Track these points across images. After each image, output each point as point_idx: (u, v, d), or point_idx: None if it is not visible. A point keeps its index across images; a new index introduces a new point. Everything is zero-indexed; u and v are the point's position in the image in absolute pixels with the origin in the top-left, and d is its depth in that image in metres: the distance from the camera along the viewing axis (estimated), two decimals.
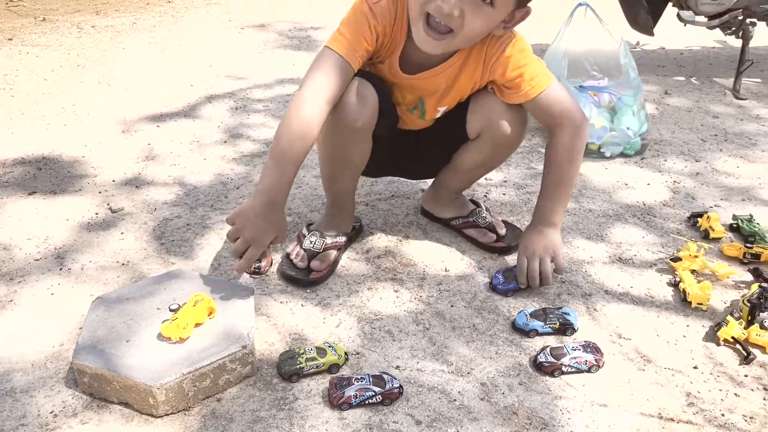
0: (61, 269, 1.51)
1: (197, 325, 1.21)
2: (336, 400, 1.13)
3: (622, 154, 2.08)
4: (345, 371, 1.22)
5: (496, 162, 1.60)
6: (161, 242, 1.62)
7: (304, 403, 1.15)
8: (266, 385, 1.19)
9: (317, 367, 1.21)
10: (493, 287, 1.45)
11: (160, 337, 1.18)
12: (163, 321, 1.20)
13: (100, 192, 1.85)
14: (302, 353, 1.22)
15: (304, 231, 1.52)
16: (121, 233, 1.66)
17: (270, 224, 1.30)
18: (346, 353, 1.25)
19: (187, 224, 1.70)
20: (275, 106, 2.51)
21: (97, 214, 1.74)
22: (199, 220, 1.72)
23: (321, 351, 1.22)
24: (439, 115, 1.49)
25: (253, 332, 1.23)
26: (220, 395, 1.17)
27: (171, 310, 1.22)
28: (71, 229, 1.67)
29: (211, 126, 2.32)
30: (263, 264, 1.34)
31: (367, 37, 1.32)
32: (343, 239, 1.54)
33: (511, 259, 1.56)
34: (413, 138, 1.55)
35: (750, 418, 1.12)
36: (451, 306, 1.41)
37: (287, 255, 1.51)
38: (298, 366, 1.20)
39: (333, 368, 1.22)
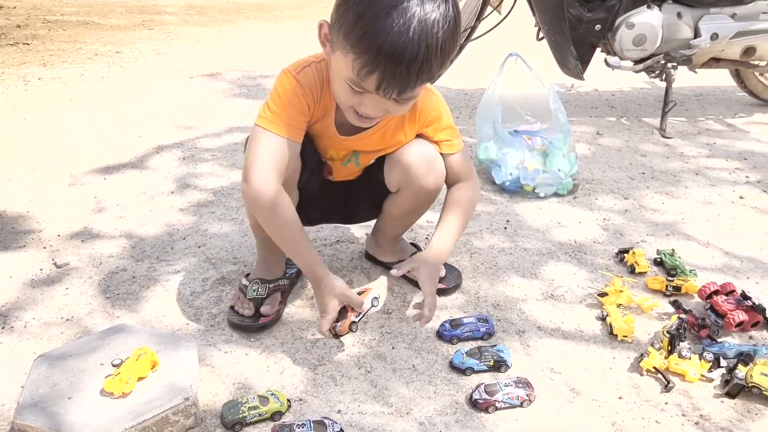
0: (3, 327, 1.51)
1: (140, 378, 1.23)
2: None
3: (556, 194, 2.19)
4: (287, 418, 1.25)
5: (423, 209, 1.64)
6: (106, 296, 1.64)
7: None
8: None
9: (260, 415, 1.24)
10: (439, 334, 1.50)
11: (103, 392, 1.20)
12: (106, 376, 1.22)
13: (44, 247, 1.86)
14: (245, 402, 1.24)
15: (244, 281, 1.56)
16: (66, 288, 1.67)
17: (323, 291, 1.39)
18: (288, 400, 1.28)
19: (133, 277, 1.72)
20: (224, 154, 2.56)
21: (41, 269, 1.75)
22: (145, 272, 1.74)
23: (263, 399, 1.26)
24: (372, 161, 1.56)
25: (197, 383, 1.25)
26: None
27: (113, 365, 1.24)
28: (15, 285, 1.68)
29: (158, 177, 2.35)
30: (339, 325, 1.41)
31: (302, 110, 1.36)
32: (285, 282, 1.59)
33: (456, 306, 1.63)
34: (343, 191, 1.62)
35: None
36: (393, 348, 1.46)
37: (232, 307, 1.54)
38: (240, 415, 1.22)
39: (276, 416, 1.25)
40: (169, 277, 1.72)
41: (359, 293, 1.44)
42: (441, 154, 1.51)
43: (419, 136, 1.50)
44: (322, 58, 1.36)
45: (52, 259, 1.79)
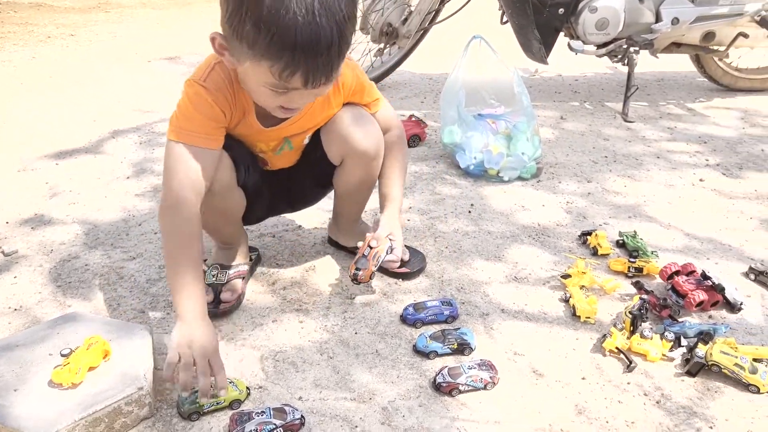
0: None
1: (91, 368, 1.19)
2: None
3: (519, 178, 2.18)
4: (247, 406, 1.22)
5: (373, 178, 1.59)
6: (57, 284, 1.57)
7: None
8: (165, 426, 1.17)
9: (218, 404, 1.20)
10: (403, 318, 1.48)
11: (51, 383, 1.15)
12: (55, 367, 1.17)
13: None
14: None
15: (203, 267, 1.52)
16: (14, 277, 1.60)
17: (210, 331, 1.25)
18: (248, 388, 1.25)
19: (86, 265, 1.66)
20: None
21: None
22: (99, 259, 1.68)
23: None
24: (306, 141, 1.52)
25: (151, 372, 1.21)
26: None
27: (62, 355, 1.19)
28: None
29: (114, 162, 2.28)
30: (361, 273, 1.45)
31: (215, 116, 1.29)
32: (245, 268, 1.55)
33: (420, 290, 1.61)
34: (284, 178, 1.58)
35: (632, 422, 1.20)
36: (356, 333, 1.44)
37: None
38: (197, 404, 1.19)
39: (234, 404, 1.21)
40: (124, 264, 1.66)
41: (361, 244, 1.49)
42: (372, 113, 1.51)
43: (347, 103, 1.47)
44: None
45: (0, 248, 1.71)
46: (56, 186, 2.08)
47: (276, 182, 1.57)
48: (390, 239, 1.49)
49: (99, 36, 4.04)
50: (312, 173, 1.59)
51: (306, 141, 1.51)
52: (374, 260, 1.45)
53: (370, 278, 1.46)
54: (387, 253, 1.47)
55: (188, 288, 1.25)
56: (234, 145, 1.38)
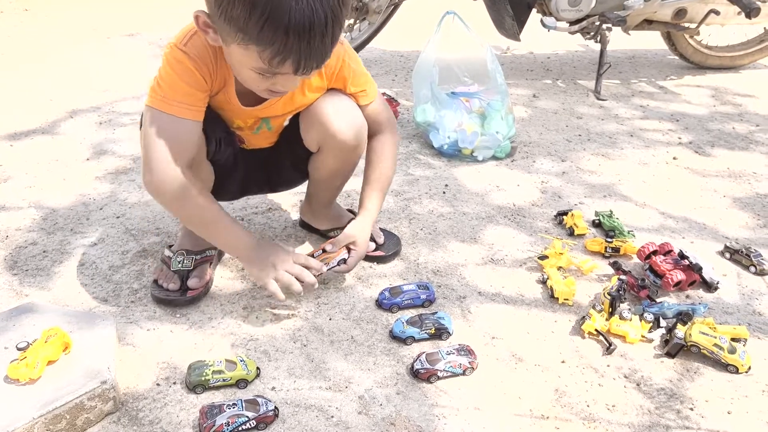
0: None
1: (50, 362, 1.12)
2: (207, 430, 1.07)
3: (494, 158, 2.15)
4: (218, 397, 1.17)
5: (350, 167, 1.54)
6: (13, 273, 1.49)
7: None
8: (131, 421, 1.12)
9: (224, 380, 1.17)
10: (378, 303, 1.44)
11: (7, 379, 1.08)
12: (11, 361, 1.10)
13: None
14: (211, 365, 1.18)
15: (168, 253, 1.45)
16: None
17: (269, 252, 1.35)
18: (258, 368, 1.22)
19: (44, 251, 1.57)
20: None
21: None
22: (58, 245, 1.60)
23: (230, 364, 1.19)
24: (286, 122, 1.46)
25: (114, 365, 1.15)
26: None
27: (19, 349, 1.12)
28: None
29: (72, 143, 2.18)
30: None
31: (198, 85, 1.23)
32: (213, 252, 1.49)
33: (396, 274, 1.57)
34: (261, 159, 1.52)
35: (612, 406, 1.18)
36: (330, 319, 1.39)
37: (155, 281, 1.43)
38: (203, 378, 1.17)
39: (240, 383, 1.19)
40: (84, 250, 1.58)
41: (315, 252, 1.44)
42: (359, 105, 1.43)
43: (331, 89, 1.41)
44: None
45: None
46: (11, 169, 1.98)
47: (253, 161, 1.51)
48: (350, 248, 1.45)
49: (55, 11, 3.87)
50: (291, 156, 1.52)
51: (285, 123, 1.45)
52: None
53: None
54: (338, 264, 1.42)
55: (226, 234, 1.34)
56: (207, 118, 1.30)
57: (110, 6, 4.06)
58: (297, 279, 1.34)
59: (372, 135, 1.48)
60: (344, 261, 1.43)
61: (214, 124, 1.34)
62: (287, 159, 1.53)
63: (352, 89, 1.41)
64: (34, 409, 1.03)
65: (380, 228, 1.65)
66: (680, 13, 2.80)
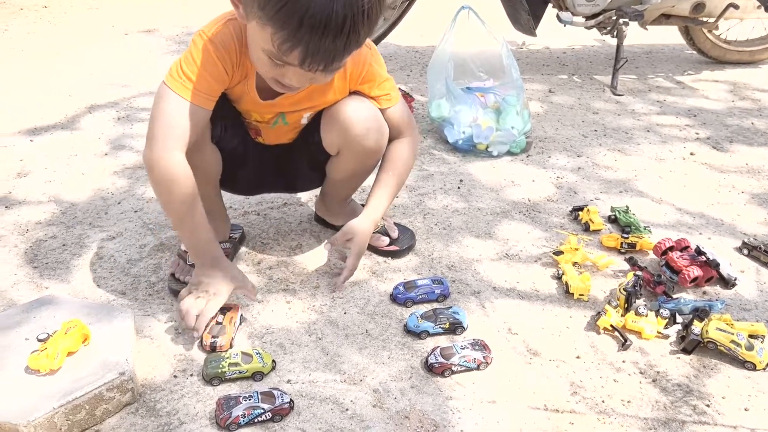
0: None
1: (70, 353, 1.14)
2: (223, 422, 1.09)
3: (509, 153, 2.14)
4: (234, 389, 1.18)
5: (368, 169, 1.55)
6: (34, 266, 1.51)
7: (189, 427, 1.10)
8: (149, 412, 1.13)
9: (240, 372, 1.19)
10: (393, 298, 1.44)
11: (28, 370, 1.10)
12: (32, 352, 1.12)
13: None
14: (227, 357, 1.20)
15: (184, 247, 1.46)
16: None
17: (217, 274, 1.31)
18: (274, 361, 1.23)
19: (63, 245, 1.60)
20: None
21: None
22: (77, 239, 1.62)
23: (246, 357, 1.21)
24: (304, 121, 1.45)
25: (133, 357, 1.16)
26: (98, 427, 1.10)
27: (39, 340, 1.14)
28: None
29: (91, 138, 2.20)
30: (219, 340, 1.25)
31: (218, 76, 1.25)
32: (228, 246, 1.50)
33: (410, 268, 1.57)
34: (279, 156, 1.52)
35: (627, 402, 1.18)
36: (345, 313, 1.40)
37: (172, 274, 1.44)
38: (220, 370, 1.18)
39: (257, 375, 1.20)
40: (103, 244, 1.60)
41: (226, 309, 1.33)
42: (380, 109, 1.42)
43: (355, 92, 1.40)
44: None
45: None
46: (31, 163, 2.01)
47: (268, 156, 1.51)
48: (347, 247, 1.44)
49: (73, 8, 3.91)
50: (308, 158, 1.52)
51: (304, 121, 1.45)
52: (231, 325, 1.30)
53: (231, 345, 1.27)
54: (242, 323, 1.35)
55: (197, 231, 1.31)
56: (221, 104, 1.32)
57: (127, 3, 4.10)
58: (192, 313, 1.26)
59: (392, 138, 1.47)
60: (343, 259, 1.44)
61: (222, 109, 1.34)
62: (304, 159, 1.53)
63: (376, 92, 1.40)
64: (55, 399, 1.05)
65: (394, 222, 1.65)
66: (699, 7, 2.77)
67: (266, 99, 1.35)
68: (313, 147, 1.47)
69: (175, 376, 1.21)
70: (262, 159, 1.51)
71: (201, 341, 1.27)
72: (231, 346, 1.27)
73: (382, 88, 1.41)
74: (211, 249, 1.33)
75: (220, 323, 1.29)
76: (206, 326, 1.27)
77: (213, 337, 1.26)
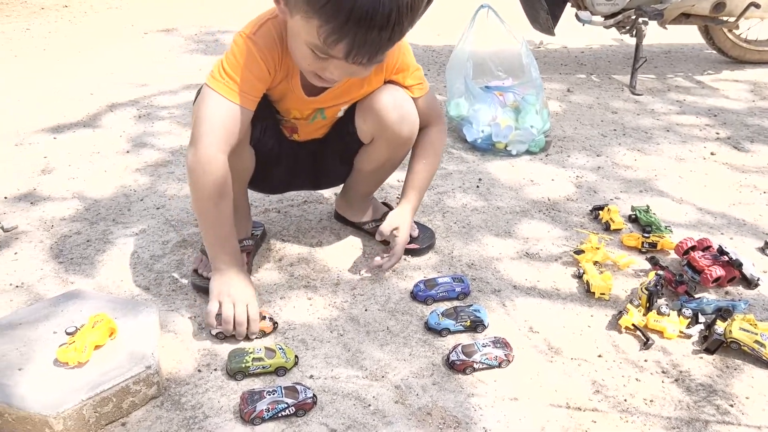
0: None
1: (97, 347, 1.15)
2: (247, 416, 1.10)
3: (528, 152, 2.14)
4: (257, 384, 1.19)
5: (397, 161, 1.57)
6: (59, 261, 1.54)
7: (214, 421, 1.11)
8: (174, 405, 1.15)
9: (263, 367, 1.20)
10: (413, 295, 1.45)
11: (57, 362, 1.12)
12: (60, 345, 1.14)
13: None
14: (250, 352, 1.21)
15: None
16: (15, 253, 1.56)
17: (244, 274, 1.35)
18: (296, 356, 1.25)
19: (88, 240, 1.62)
20: (181, 112, 2.43)
21: None
22: (101, 235, 1.64)
23: (270, 352, 1.22)
24: (340, 113, 1.47)
25: (158, 351, 1.18)
26: (125, 419, 1.11)
27: (68, 333, 1.16)
28: None
29: (112, 135, 2.23)
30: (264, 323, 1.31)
31: (260, 75, 1.26)
32: (250, 243, 1.52)
33: (430, 267, 1.58)
34: (310, 151, 1.54)
35: (650, 401, 1.17)
36: (366, 310, 1.41)
37: (195, 270, 1.46)
38: (243, 365, 1.19)
39: (280, 370, 1.21)
40: (126, 240, 1.62)
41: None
42: (412, 98, 1.44)
43: (388, 82, 1.42)
44: (278, 14, 1.24)
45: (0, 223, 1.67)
46: (55, 160, 2.03)
47: (303, 153, 1.53)
48: (394, 235, 1.47)
49: (93, 8, 3.95)
50: (340, 149, 1.54)
51: (340, 114, 1.47)
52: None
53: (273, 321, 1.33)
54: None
55: (222, 242, 1.31)
56: (260, 105, 1.33)
57: (146, 3, 4.13)
58: (235, 322, 1.28)
59: (422, 127, 1.49)
60: (389, 249, 1.47)
61: (263, 110, 1.35)
62: (337, 152, 1.55)
63: (409, 81, 1.43)
64: (83, 392, 1.06)
65: (414, 221, 1.65)
66: (719, 6, 2.76)
67: (310, 96, 1.36)
68: (348, 137, 1.49)
69: (199, 371, 1.22)
70: (296, 157, 1.52)
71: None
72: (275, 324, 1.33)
73: (415, 78, 1.44)
74: (234, 258, 1.33)
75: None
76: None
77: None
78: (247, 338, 1.30)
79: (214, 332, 1.29)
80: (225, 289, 1.30)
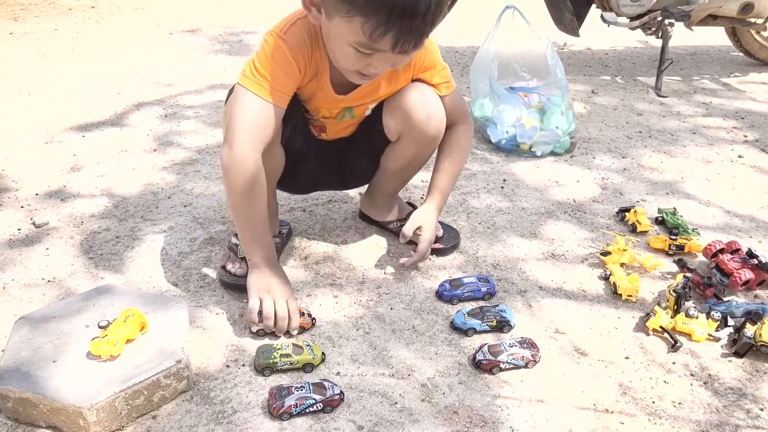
0: None
1: (129, 341, 1.17)
2: (276, 411, 1.11)
3: (553, 153, 2.13)
4: (285, 380, 1.20)
5: (423, 159, 1.57)
6: (89, 256, 1.56)
7: (243, 416, 1.12)
8: (203, 399, 1.16)
9: (291, 364, 1.21)
10: (439, 295, 1.45)
11: (90, 355, 1.14)
12: (92, 338, 1.16)
13: (22, 206, 1.77)
14: (278, 348, 1.22)
15: (235, 240, 1.49)
16: (46, 249, 1.59)
17: (280, 271, 1.37)
18: (323, 353, 1.26)
19: (117, 237, 1.64)
20: (207, 112, 2.46)
21: (19, 229, 1.66)
22: (129, 232, 1.66)
23: (297, 348, 1.23)
24: (368, 112, 1.48)
25: (188, 346, 1.19)
26: (156, 412, 1.13)
27: (100, 327, 1.17)
28: None
29: (140, 134, 2.26)
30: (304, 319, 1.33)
31: (291, 73, 1.28)
32: (277, 241, 1.53)
33: (455, 267, 1.58)
34: (338, 150, 1.55)
35: (679, 403, 1.17)
36: (391, 309, 1.41)
37: (223, 267, 1.47)
38: (271, 360, 1.20)
39: (307, 367, 1.22)
40: (154, 237, 1.64)
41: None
42: (439, 96, 1.45)
43: (416, 80, 1.43)
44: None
45: (31, 219, 1.70)
46: (83, 158, 2.06)
47: (330, 153, 1.54)
48: (418, 234, 1.47)
49: (120, 8, 4.01)
50: (367, 148, 1.55)
51: (368, 112, 1.48)
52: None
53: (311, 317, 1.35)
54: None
55: (258, 238, 1.32)
56: (290, 104, 1.34)
57: (172, 3, 4.18)
58: (276, 318, 1.30)
59: (448, 126, 1.50)
60: (415, 247, 1.48)
61: (293, 109, 1.36)
62: (364, 151, 1.56)
63: (437, 80, 1.44)
64: (116, 384, 1.08)
65: (439, 221, 1.65)
66: (747, 8, 2.73)
67: (339, 94, 1.38)
68: (375, 135, 1.50)
69: (227, 366, 1.24)
70: (324, 156, 1.53)
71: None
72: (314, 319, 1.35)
73: (442, 76, 1.45)
74: (270, 254, 1.36)
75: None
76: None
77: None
78: (288, 333, 1.31)
79: (254, 329, 1.30)
80: (264, 286, 1.31)
